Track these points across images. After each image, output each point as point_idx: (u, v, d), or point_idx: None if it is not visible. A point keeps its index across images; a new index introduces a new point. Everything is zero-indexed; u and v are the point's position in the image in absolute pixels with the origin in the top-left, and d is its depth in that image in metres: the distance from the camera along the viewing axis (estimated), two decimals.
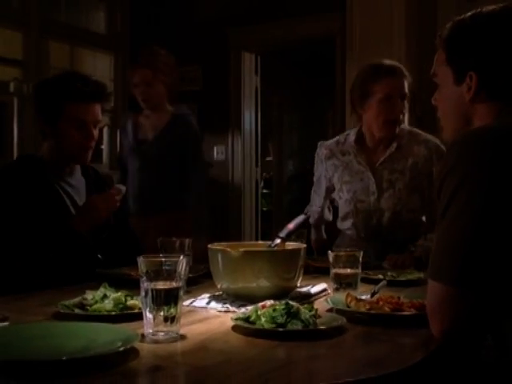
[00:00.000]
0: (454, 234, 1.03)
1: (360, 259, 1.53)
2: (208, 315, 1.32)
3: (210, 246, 1.48)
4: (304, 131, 7.35)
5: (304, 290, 1.52)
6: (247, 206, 5.04)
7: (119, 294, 1.32)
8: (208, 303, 1.41)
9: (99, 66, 4.90)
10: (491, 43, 1.18)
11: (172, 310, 1.11)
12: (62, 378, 0.88)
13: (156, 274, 1.12)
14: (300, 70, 6.91)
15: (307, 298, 1.45)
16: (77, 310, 1.27)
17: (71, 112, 1.89)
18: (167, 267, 1.13)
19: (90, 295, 1.33)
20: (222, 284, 1.46)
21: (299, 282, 1.50)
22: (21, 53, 4.24)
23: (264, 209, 6.46)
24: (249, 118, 5.06)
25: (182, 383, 0.94)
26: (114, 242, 1.98)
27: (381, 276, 1.74)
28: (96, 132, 1.96)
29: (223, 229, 4.74)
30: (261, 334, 1.11)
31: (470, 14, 1.23)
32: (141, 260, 1.13)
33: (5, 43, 4.17)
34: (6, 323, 1.17)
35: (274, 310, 1.16)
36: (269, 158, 7.26)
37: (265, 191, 7.03)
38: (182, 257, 1.15)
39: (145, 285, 1.12)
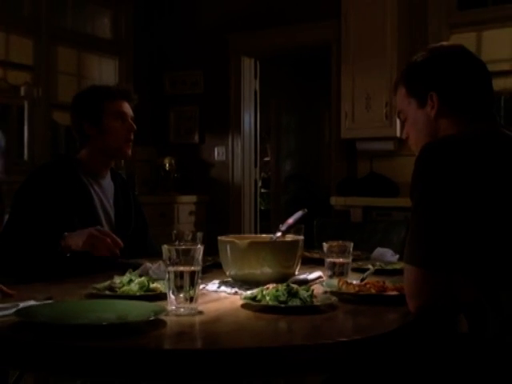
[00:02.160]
0: (423, 226, 1.25)
1: (351, 250, 1.74)
2: (219, 297, 1.53)
3: (219, 237, 1.69)
4: (301, 132, 7.54)
5: (301, 277, 1.73)
6: (246, 204, 5.24)
7: (143, 278, 1.53)
8: (218, 287, 1.62)
9: (104, 70, 5.10)
10: (443, 63, 1.43)
11: (191, 291, 1.32)
12: (102, 340, 1.09)
13: (178, 259, 1.33)
14: (297, 73, 7.10)
15: (304, 283, 1.66)
16: (107, 292, 1.48)
17: (111, 107, 2.15)
18: (187, 254, 1.33)
19: (117, 279, 1.54)
20: (230, 271, 1.67)
21: (297, 269, 1.71)
22: (31, 58, 4.44)
23: (262, 208, 6.66)
24: (248, 120, 5.24)
25: (202, 343, 1.16)
26: (132, 242, 2.17)
27: (370, 266, 1.95)
28: (134, 126, 2.19)
29: (224, 226, 4.95)
30: (266, 309, 1.32)
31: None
32: (165, 248, 1.34)
33: (16, 49, 4.37)
34: (50, 301, 1.38)
35: (277, 290, 1.37)
36: (267, 159, 7.47)
37: (263, 191, 7.23)
38: (199, 245, 1.36)
39: (168, 269, 1.33)
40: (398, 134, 4.20)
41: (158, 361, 1.05)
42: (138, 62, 5.23)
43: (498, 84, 4.25)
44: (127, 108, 2.20)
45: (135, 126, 2.20)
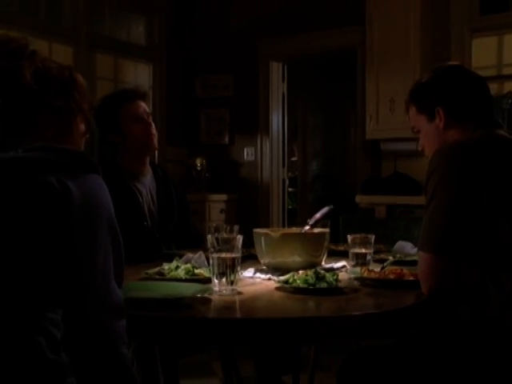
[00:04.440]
0: (435, 218, 1.44)
1: (372, 241, 1.93)
2: (255, 282, 1.73)
3: (255, 230, 1.90)
4: (327, 133, 7.70)
5: (328, 266, 1.93)
6: (275, 203, 5.43)
7: (188, 265, 1.74)
8: (254, 274, 1.82)
9: (140, 75, 5.35)
10: (444, 80, 1.63)
11: (232, 275, 1.53)
12: (157, 311, 1.30)
13: (220, 247, 1.54)
14: (323, 75, 7.26)
15: (331, 271, 1.85)
16: (157, 276, 1.70)
17: (124, 112, 2.30)
18: (228, 243, 1.54)
19: (166, 266, 1.75)
20: (264, 259, 1.88)
21: (324, 259, 1.91)
22: (72, 65, 4.69)
23: (289, 207, 6.84)
24: (276, 121, 5.44)
25: (241, 314, 1.37)
26: (177, 234, 2.37)
27: (391, 257, 2.14)
28: (151, 121, 2.34)
29: (253, 224, 5.13)
30: (297, 291, 1.52)
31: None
32: (209, 237, 1.55)
33: (58, 57, 4.64)
34: None
35: (307, 275, 1.57)
36: (294, 159, 7.65)
37: (290, 190, 7.41)
38: (238, 236, 1.57)
39: (212, 255, 1.54)
40: None
41: (205, 327, 1.26)
42: (171, 66, 5.46)
43: None
44: (140, 106, 2.33)
45: (153, 124, 2.34)
